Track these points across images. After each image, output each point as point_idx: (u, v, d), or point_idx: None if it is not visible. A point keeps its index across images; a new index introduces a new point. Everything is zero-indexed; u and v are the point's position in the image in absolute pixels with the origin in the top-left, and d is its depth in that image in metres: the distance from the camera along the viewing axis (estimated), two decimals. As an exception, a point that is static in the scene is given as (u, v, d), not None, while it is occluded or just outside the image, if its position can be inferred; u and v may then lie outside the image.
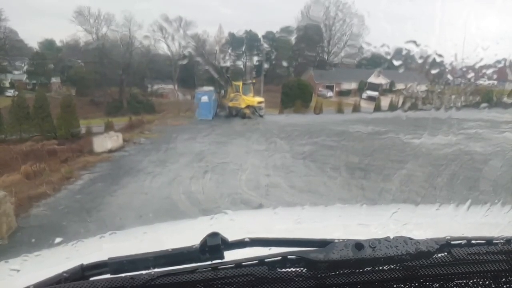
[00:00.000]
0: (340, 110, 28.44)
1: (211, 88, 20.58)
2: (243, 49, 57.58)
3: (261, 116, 20.15)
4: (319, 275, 0.72)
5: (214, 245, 0.73)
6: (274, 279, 0.71)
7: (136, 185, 7.83)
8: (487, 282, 0.75)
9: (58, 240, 1.36)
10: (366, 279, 0.72)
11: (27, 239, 5.14)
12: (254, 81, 21.97)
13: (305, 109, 31.09)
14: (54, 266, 0.78)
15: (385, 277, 0.73)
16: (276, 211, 1.59)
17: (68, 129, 17.25)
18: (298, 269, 0.72)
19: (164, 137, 13.48)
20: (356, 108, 28.65)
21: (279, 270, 0.72)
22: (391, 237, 0.76)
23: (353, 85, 38.39)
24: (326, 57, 46.84)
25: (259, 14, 63.18)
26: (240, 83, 20.64)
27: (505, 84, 32.09)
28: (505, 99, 28.01)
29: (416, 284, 0.74)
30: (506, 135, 14.37)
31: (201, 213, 5.60)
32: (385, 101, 29.78)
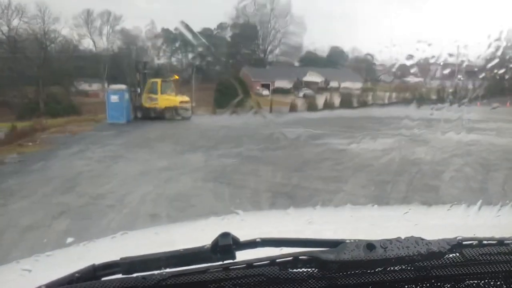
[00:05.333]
0: (273, 110, 26.25)
1: (122, 86, 17.14)
2: (178, 46, 54.07)
3: (185, 118, 16.97)
4: (330, 276, 0.70)
5: (226, 245, 0.71)
6: (286, 279, 0.69)
7: None
8: (498, 283, 0.74)
9: (69, 240, 1.29)
10: (377, 279, 0.71)
11: None
12: (176, 78, 18.68)
13: (240, 108, 28.36)
14: (66, 266, 0.76)
15: (396, 277, 0.71)
16: (288, 212, 1.51)
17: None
18: (309, 269, 0.71)
19: (47, 151, 10.28)
20: (293, 107, 26.73)
21: (291, 270, 0.70)
22: (403, 237, 0.74)
23: (290, 84, 36.65)
24: (262, 55, 44.96)
25: (195, 9, 59.88)
26: (158, 80, 17.47)
27: (432, 82, 31.97)
28: (433, 95, 27.60)
29: (428, 284, 0.73)
30: (449, 136, 12.29)
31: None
32: (320, 100, 28.23)
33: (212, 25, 45.72)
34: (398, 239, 0.74)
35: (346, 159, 8.60)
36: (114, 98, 16.80)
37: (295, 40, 44.02)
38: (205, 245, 0.72)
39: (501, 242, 0.76)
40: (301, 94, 31.26)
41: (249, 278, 0.69)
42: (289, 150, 9.92)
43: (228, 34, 48.91)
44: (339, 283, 0.70)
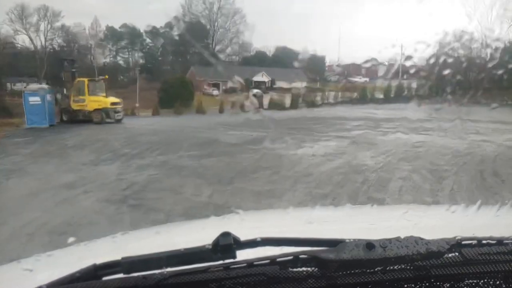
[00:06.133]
0: (222, 110, 25.05)
1: (44, 86, 15.19)
2: (123, 44, 51.39)
3: (118, 121, 15.22)
4: (330, 275, 0.70)
5: (226, 244, 0.70)
6: (286, 278, 0.69)
7: None
8: (497, 282, 0.74)
9: (70, 240, 1.26)
10: (377, 278, 0.71)
11: None
12: (106, 77, 16.81)
13: (186, 108, 26.85)
14: (67, 266, 0.75)
15: (395, 277, 0.71)
16: (287, 211, 1.50)
17: None
18: (309, 268, 0.70)
19: None
20: (241, 108, 25.52)
21: (291, 269, 0.70)
22: (402, 237, 0.74)
23: (239, 83, 35.41)
24: (211, 54, 43.60)
25: (141, 7, 57.41)
26: (85, 80, 15.62)
27: (376, 81, 32.71)
28: (379, 95, 27.81)
29: (427, 284, 0.72)
30: (395, 137, 11.70)
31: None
32: (267, 100, 27.35)
33: (160, 24, 43.65)
34: (397, 239, 0.74)
35: (286, 167, 7.53)
36: (33, 99, 14.74)
37: (244, 40, 43.16)
38: (205, 245, 0.71)
39: (500, 241, 0.76)
40: (251, 94, 30.35)
41: (250, 277, 0.68)
42: (225, 157, 8.73)
43: (176, 32, 46.96)
44: (338, 282, 0.70)
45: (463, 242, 0.74)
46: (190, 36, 41.88)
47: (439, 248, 0.71)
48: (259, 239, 0.73)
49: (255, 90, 30.55)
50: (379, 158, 8.12)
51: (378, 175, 7.00)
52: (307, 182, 6.61)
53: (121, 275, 0.68)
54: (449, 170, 7.19)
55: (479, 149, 8.86)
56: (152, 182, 6.90)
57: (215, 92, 32.00)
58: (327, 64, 39.15)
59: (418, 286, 0.72)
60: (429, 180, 6.57)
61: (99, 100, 16.33)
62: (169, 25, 45.99)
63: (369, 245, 0.71)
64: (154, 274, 0.66)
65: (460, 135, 9.97)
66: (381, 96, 25.55)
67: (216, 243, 0.70)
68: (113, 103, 16.50)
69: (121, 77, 44.47)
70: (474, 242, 0.75)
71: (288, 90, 31.47)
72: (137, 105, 29.62)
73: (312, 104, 24.89)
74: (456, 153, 8.52)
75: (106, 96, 16.63)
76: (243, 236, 0.72)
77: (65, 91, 16.16)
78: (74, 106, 16.09)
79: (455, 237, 0.75)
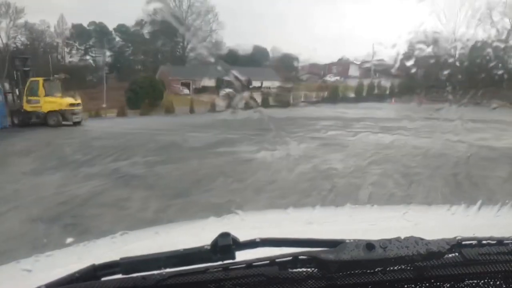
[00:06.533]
0: (193, 110, 24.18)
1: (-9, 85, 13.81)
2: (92, 43, 49.36)
3: (76, 123, 14.14)
4: (330, 275, 0.69)
5: (225, 245, 0.70)
6: (285, 279, 0.68)
7: None
8: (498, 283, 0.73)
9: (69, 240, 1.30)
10: (377, 279, 0.70)
11: None
12: (63, 76, 15.67)
13: (156, 109, 25.80)
14: (66, 266, 0.75)
15: (396, 277, 0.71)
16: (287, 212, 1.51)
17: None
18: (309, 269, 0.70)
19: None
20: (212, 107, 24.84)
21: (290, 270, 0.69)
22: (402, 237, 0.74)
23: (211, 82, 34.70)
24: (182, 53, 42.55)
25: (110, 4, 55.57)
26: (40, 80, 14.45)
27: (348, 80, 32.70)
28: (351, 94, 27.67)
29: (427, 284, 0.72)
30: (366, 138, 11.23)
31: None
32: (242, 99, 26.13)
33: (129, 22, 42.17)
34: (397, 239, 0.73)
35: (249, 173, 6.88)
36: (-20, 100, 13.37)
37: (217, 38, 42.35)
38: (204, 245, 0.70)
39: (500, 242, 0.76)
40: (222, 93, 29.63)
41: (249, 278, 0.68)
42: (184, 163, 7.97)
43: (147, 30, 45.47)
44: (338, 283, 0.69)
45: (463, 243, 0.75)
46: (161, 34, 40.84)
47: (439, 248, 0.71)
48: (258, 240, 0.72)
49: (227, 90, 29.78)
50: (349, 162, 7.59)
51: (348, 181, 6.45)
52: (271, 190, 5.97)
53: (120, 276, 0.67)
54: (422, 173, 6.71)
55: (453, 150, 8.46)
56: (96, 195, 6.08)
57: (186, 91, 31.06)
58: (300, 63, 38.96)
59: (418, 287, 0.72)
60: (402, 185, 6.04)
61: (55, 101, 15.19)
62: (139, 23, 44.47)
63: (369, 245, 0.70)
64: (153, 274, 0.65)
65: (433, 135, 9.60)
66: (353, 95, 25.42)
67: (215, 243, 0.69)
68: (71, 104, 15.37)
69: (90, 76, 42.81)
70: (475, 242, 0.75)
71: (261, 89, 30.94)
72: (104, 105, 28.33)
73: (284, 104, 24.45)
74: (429, 154, 8.09)
75: (63, 97, 15.49)
76: (242, 237, 0.72)
77: (17, 92, 14.91)
78: (28, 107, 14.89)
79: (455, 238, 0.75)
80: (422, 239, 0.72)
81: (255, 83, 32.58)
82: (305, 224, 1.23)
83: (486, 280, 0.73)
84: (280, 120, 16.45)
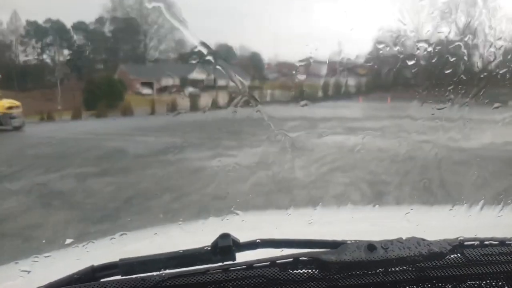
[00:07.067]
0: (153, 111, 22.87)
1: None
2: (49, 41, 46.51)
3: (15, 128, 12.66)
4: (331, 277, 0.70)
5: (225, 246, 0.70)
6: (286, 280, 0.69)
7: None
8: (500, 283, 0.74)
9: (68, 241, 1.24)
10: (378, 280, 0.70)
11: None
12: (-1, 76, 14.12)
13: (115, 110, 24.25)
14: (65, 267, 0.73)
15: (397, 278, 0.71)
16: (288, 212, 1.51)
17: None
18: (310, 270, 0.70)
19: None
20: (172, 108, 23.16)
21: (291, 271, 0.69)
22: (404, 238, 0.75)
23: (175, 81, 33.27)
24: (145, 51, 40.86)
25: (67, 0, 52.96)
26: (-27, 81, 12.69)
27: (314, 79, 32.29)
28: (317, 93, 27.14)
29: (429, 285, 0.73)
30: (329, 140, 10.59)
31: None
32: (205, 99, 25.29)
33: (89, 19, 40.27)
34: (399, 240, 0.74)
35: (196, 186, 5.90)
36: None
37: (180, 36, 41.03)
38: (204, 246, 0.71)
39: (502, 242, 0.77)
40: (186, 93, 28.53)
41: (249, 280, 0.68)
42: (124, 174, 6.90)
43: (108, 29, 43.62)
44: (340, 284, 0.70)
45: (466, 243, 0.75)
46: (122, 32, 39.24)
47: (441, 249, 0.72)
48: (258, 241, 0.73)
49: (191, 89, 28.76)
50: (311, 169, 6.79)
51: (308, 193, 5.61)
52: (219, 209, 4.99)
53: (119, 277, 0.67)
54: (391, 182, 5.98)
55: (421, 151, 7.82)
56: (6, 220, 4.92)
57: (147, 91, 29.70)
58: (266, 62, 38.41)
59: None
60: (368, 198, 5.28)
61: (-12, 103, 13.56)
62: (100, 21, 42.44)
63: (371, 246, 0.71)
64: (153, 276, 0.66)
65: (400, 135, 8.96)
66: (321, 94, 25.08)
67: (215, 244, 0.70)
68: (9, 107, 13.82)
69: (49, 76, 40.57)
70: (477, 243, 0.76)
71: (226, 88, 30.02)
72: (59, 107, 26.56)
73: (250, 103, 23.71)
74: (397, 158, 7.39)
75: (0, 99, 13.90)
76: (242, 238, 0.73)
77: None
78: (-44, 111, 13.22)
79: (457, 238, 0.76)
80: (424, 239, 0.74)
81: (221, 82, 31.62)
82: (306, 225, 1.24)
83: (488, 281, 0.73)
84: (243, 120, 15.55)
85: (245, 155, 8.40)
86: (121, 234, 1.21)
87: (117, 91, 27.29)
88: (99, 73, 34.04)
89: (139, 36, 39.95)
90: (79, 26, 44.13)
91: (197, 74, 35.94)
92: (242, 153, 8.71)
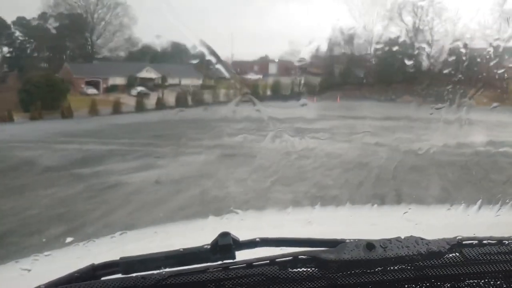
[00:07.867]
0: (96, 112, 21.00)
1: None
2: (-14, 38, 42.72)
3: None
4: (330, 275, 0.69)
5: (225, 244, 0.69)
6: (285, 279, 0.68)
7: None
8: (498, 282, 0.74)
9: (69, 239, 1.27)
10: (377, 279, 0.70)
11: None
12: None
13: (55, 111, 22.35)
14: (65, 266, 0.72)
15: (396, 277, 0.71)
16: (287, 211, 1.53)
17: None
18: (309, 269, 0.69)
19: None
20: (117, 109, 21.87)
21: (290, 270, 0.69)
22: (402, 237, 0.74)
23: (123, 80, 31.60)
24: (91, 49, 38.53)
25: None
26: None
27: (268, 78, 31.64)
28: (270, 92, 26.60)
29: (427, 284, 0.72)
30: (279, 144, 9.17)
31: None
32: (155, 99, 24.18)
33: (32, 15, 37.25)
34: (398, 239, 0.73)
35: (104, 210, 4.71)
36: None
37: (129, 34, 39.02)
38: (204, 245, 0.70)
39: (500, 241, 0.77)
40: (134, 92, 26.82)
41: (249, 278, 0.67)
42: (19, 195, 5.53)
43: (51, 24, 40.74)
44: (339, 282, 0.69)
45: (464, 242, 0.75)
46: (67, 29, 36.68)
47: (439, 248, 0.72)
48: (258, 240, 0.72)
49: (139, 88, 27.12)
50: (249, 182, 5.72)
51: (249, 207, 4.58)
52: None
53: (119, 275, 0.66)
54: (339, 196, 5.06)
55: (374, 156, 7.03)
56: None
57: (92, 91, 27.62)
58: (221, 60, 37.33)
59: (418, 287, 0.72)
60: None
61: None
62: (43, 17, 39.46)
63: (370, 245, 0.71)
64: (153, 274, 0.65)
65: (350, 137, 8.21)
66: (273, 93, 24.52)
67: (215, 243, 0.69)
68: None
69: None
70: (475, 242, 0.76)
71: (179, 87, 28.76)
72: (-7, 109, 24.05)
73: (202, 102, 22.61)
74: (348, 165, 6.56)
75: None
76: (242, 237, 0.71)
77: None
78: None
79: (455, 237, 0.75)
80: (422, 238, 0.73)
81: (173, 81, 30.11)
82: (305, 224, 1.23)
83: (486, 280, 0.73)
84: (187, 122, 14.31)
85: (177, 166, 7.20)
86: (121, 233, 1.20)
87: (57, 90, 25.02)
88: (41, 71, 31.34)
89: (85, 33, 37.36)
90: (21, 22, 40.65)
91: (147, 73, 33.68)
92: (174, 162, 7.48)
